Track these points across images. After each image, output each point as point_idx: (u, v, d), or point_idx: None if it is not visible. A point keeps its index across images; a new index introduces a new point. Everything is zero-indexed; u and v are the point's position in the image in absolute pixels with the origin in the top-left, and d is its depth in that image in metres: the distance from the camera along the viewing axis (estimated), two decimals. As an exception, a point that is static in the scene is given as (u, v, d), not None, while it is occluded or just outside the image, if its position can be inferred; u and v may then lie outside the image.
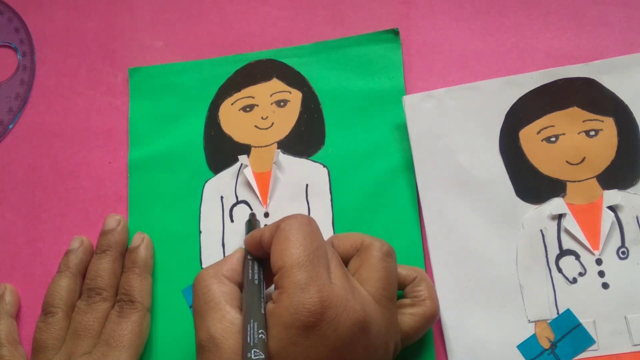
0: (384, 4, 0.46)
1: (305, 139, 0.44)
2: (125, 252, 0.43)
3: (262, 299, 0.33)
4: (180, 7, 0.49)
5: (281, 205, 0.43)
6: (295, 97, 0.45)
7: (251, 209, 0.43)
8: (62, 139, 0.48)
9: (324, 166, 0.44)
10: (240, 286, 0.35)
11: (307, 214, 0.43)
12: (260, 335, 0.30)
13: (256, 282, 0.34)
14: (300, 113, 0.45)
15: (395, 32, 0.45)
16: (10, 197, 0.47)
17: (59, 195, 0.46)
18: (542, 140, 0.41)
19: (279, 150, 0.44)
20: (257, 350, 0.29)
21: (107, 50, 0.49)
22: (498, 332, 0.38)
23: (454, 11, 0.45)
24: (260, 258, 0.36)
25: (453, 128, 0.42)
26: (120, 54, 0.49)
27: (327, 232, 0.42)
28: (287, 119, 0.45)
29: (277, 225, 0.33)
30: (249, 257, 0.36)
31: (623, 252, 0.39)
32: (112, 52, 0.49)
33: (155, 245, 0.44)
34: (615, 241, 0.39)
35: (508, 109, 0.42)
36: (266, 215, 0.43)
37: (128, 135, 0.47)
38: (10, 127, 0.49)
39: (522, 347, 0.38)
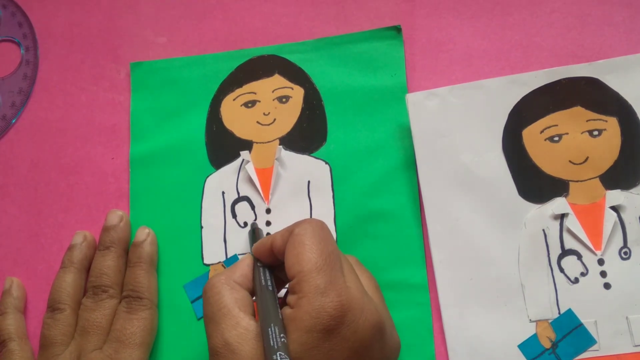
0: (388, 2, 0.46)
1: (307, 136, 0.44)
2: (127, 247, 0.43)
3: (277, 305, 0.33)
4: (184, 3, 0.49)
5: (283, 202, 0.43)
6: (297, 93, 0.45)
7: (253, 205, 0.43)
8: (65, 135, 0.48)
9: (326, 163, 0.44)
10: (252, 292, 0.35)
11: (308, 210, 0.43)
12: (282, 339, 0.30)
13: (269, 287, 0.34)
14: (302, 109, 0.45)
15: (397, 29, 0.45)
16: (12, 192, 0.47)
17: (61, 190, 0.46)
18: (545, 140, 0.41)
19: (281, 146, 0.44)
20: (282, 353, 0.29)
21: (111, 45, 0.49)
22: (499, 331, 0.38)
23: (458, 9, 0.45)
24: (269, 265, 0.36)
25: (456, 126, 0.42)
26: (124, 49, 0.49)
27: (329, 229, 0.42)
28: (289, 115, 0.45)
29: (290, 231, 0.33)
30: (258, 264, 0.36)
31: (625, 253, 0.38)
32: (115, 48, 0.49)
33: (157, 241, 0.44)
34: (618, 241, 0.39)
35: (511, 108, 0.42)
36: (268, 211, 0.43)
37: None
38: (13, 121, 0.49)
39: (523, 346, 0.38)
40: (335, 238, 0.42)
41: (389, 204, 0.42)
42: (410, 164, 0.42)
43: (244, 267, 0.35)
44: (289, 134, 0.45)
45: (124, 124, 0.47)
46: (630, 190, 0.39)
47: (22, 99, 0.49)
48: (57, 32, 0.50)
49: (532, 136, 0.41)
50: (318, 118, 0.45)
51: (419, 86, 0.44)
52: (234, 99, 0.46)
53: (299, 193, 0.43)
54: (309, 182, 0.43)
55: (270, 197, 0.43)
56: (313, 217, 0.42)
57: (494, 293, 0.39)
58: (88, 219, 0.45)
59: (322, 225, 0.34)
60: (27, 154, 0.48)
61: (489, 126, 0.42)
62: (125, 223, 0.43)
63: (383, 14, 0.46)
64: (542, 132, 0.41)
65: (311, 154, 0.44)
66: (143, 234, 0.43)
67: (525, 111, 0.41)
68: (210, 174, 0.45)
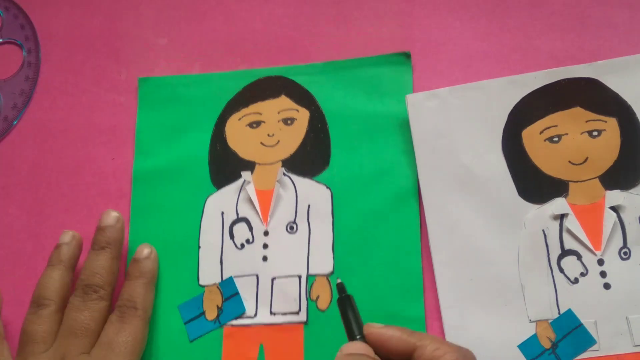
0: (388, 2, 0.47)
1: (310, 159, 0.44)
2: (121, 249, 0.43)
3: None
4: (184, 5, 0.50)
5: (282, 225, 0.43)
6: (302, 115, 0.45)
7: (251, 227, 0.43)
8: (66, 136, 0.48)
9: (327, 187, 0.43)
10: None
11: (307, 234, 0.43)
12: None
13: None
14: (307, 132, 0.45)
15: (406, 55, 0.45)
16: (14, 193, 0.47)
17: (62, 191, 0.47)
18: (544, 140, 0.41)
19: (283, 168, 0.44)
20: None
21: (112, 47, 0.50)
22: (499, 331, 0.38)
23: (458, 11, 0.46)
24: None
25: (456, 127, 0.42)
26: (125, 51, 0.49)
27: (326, 254, 0.42)
28: (293, 138, 0.45)
29: (454, 357, 0.32)
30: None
31: (625, 253, 0.39)
32: (116, 50, 0.50)
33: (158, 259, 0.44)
34: (617, 242, 0.39)
35: (511, 108, 0.42)
36: (266, 233, 0.43)
37: (131, 132, 0.47)
38: (15, 123, 0.49)
39: (523, 346, 0.38)
40: (333, 265, 0.42)
41: (389, 232, 0.42)
42: (413, 192, 0.42)
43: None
44: (292, 156, 0.44)
45: (125, 125, 0.47)
46: (630, 191, 0.40)
47: (24, 100, 0.49)
48: (59, 34, 0.51)
49: (532, 137, 0.41)
50: (322, 142, 0.44)
51: (418, 86, 0.44)
52: (239, 119, 0.46)
53: (299, 217, 0.43)
54: (309, 206, 0.43)
55: (269, 219, 0.43)
56: (311, 243, 0.42)
57: (493, 293, 0.39)
58: (88, 219, 0.45)
59: None
60: (28, 155, 0.48)
61: (488, 127, 0.42)
62: (121, 224, 0.43)
63: (383, 13, 0.46)
64: (541, 132, 0.41)
65: (313, 178, 0.44)
66: (146, 250, 0.43)
67: (525, 112, 0.42)
68: (211, 194, 0.45)
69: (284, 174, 0.44)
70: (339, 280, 0.36)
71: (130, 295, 0.40)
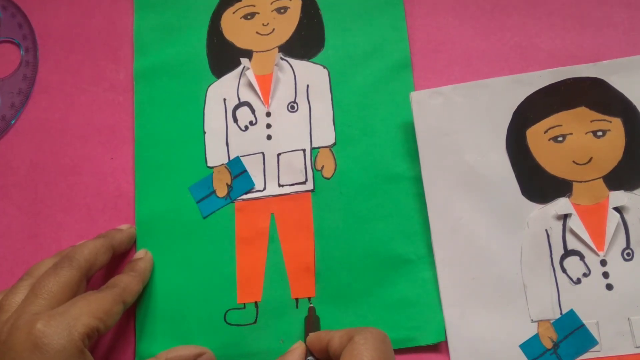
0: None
1: (305, 43, 0.48)
2: (116, 246, 0.44)
3: None
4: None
5: (282, 105, 0.47)
6: (295, 4, 0.49)
7: (253, 109, 0.47)
8: (64, 135, 0.50)
9: (324, 67, 0.47)
10: None
11: (308, 112, 0.46)
12: None
13: None
14: (300, 19, 0.49)
15: None
16: (12, 193, 0.49)
17: (60, 191, 0.48)
18: (549, 140, 0.42)
19: (280, 53, 0.48)
20: None
21: (110, 46, 0.51)
22: (501, 331, 0.40)
23: (457, 10, 0.47)
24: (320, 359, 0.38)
25: (460, 125, 0.44)
26: (123, 50, 0.51)
27: (327, 127, 0.46)
28: (287, 25, 0.49)
29: (350, 337, 0.34)
30: (309, 358, 0.38)
31: (628, 254, 0.40)
32: (115, 49, 0.51)
33: (162, 147, 0.47)
34: (621, 242, 0.40)
35: (516, 107, 0.43)
36: (268, 114, 0.47)
37: (130, 132, 0.49)
38: (13, 122, 0.51)
39: (524, 346, 0.40)
40: (334, 137, 0.45)
41: (385, 104, 0.45)
42: (406, 64, 0.46)
43: (296, 358, 0.37)
44: (288, 42, 0.48)
45: (124, 124, 0.49)
46: (634, 192, 0.41)
47: (22, 99, 0.51)
48: (57, 33, 0.52)
49: (536, 136, 0.43)
50: (316, 26, 0.48)
51: (418, 86, 0.46)
52: (233, 12, 0.50)
53: (299, 97, 0.47)
54: (307, 86, 0.47)
55: (270, 101, 0.47)
56: (313, 119, 0.46)
57: (496, 293, 0.41)
58: (87, 219, 0.47)
59: (384, 338, 0.34)
60: (26, 155, 0.50)
61: (493, 125, 0.43)
62: (131, 232, 0.46)
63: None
64: (546, 132, 0.43)
65: (310, 60, 0.48)
66: (141, 253, 0.45)
67: (530, 111, 0.43)
68: (212, 83, 0.48)
69: (282, 58, 0.48)
70: (311, 305, 0.42)
71: (114, 279, 0.41)
